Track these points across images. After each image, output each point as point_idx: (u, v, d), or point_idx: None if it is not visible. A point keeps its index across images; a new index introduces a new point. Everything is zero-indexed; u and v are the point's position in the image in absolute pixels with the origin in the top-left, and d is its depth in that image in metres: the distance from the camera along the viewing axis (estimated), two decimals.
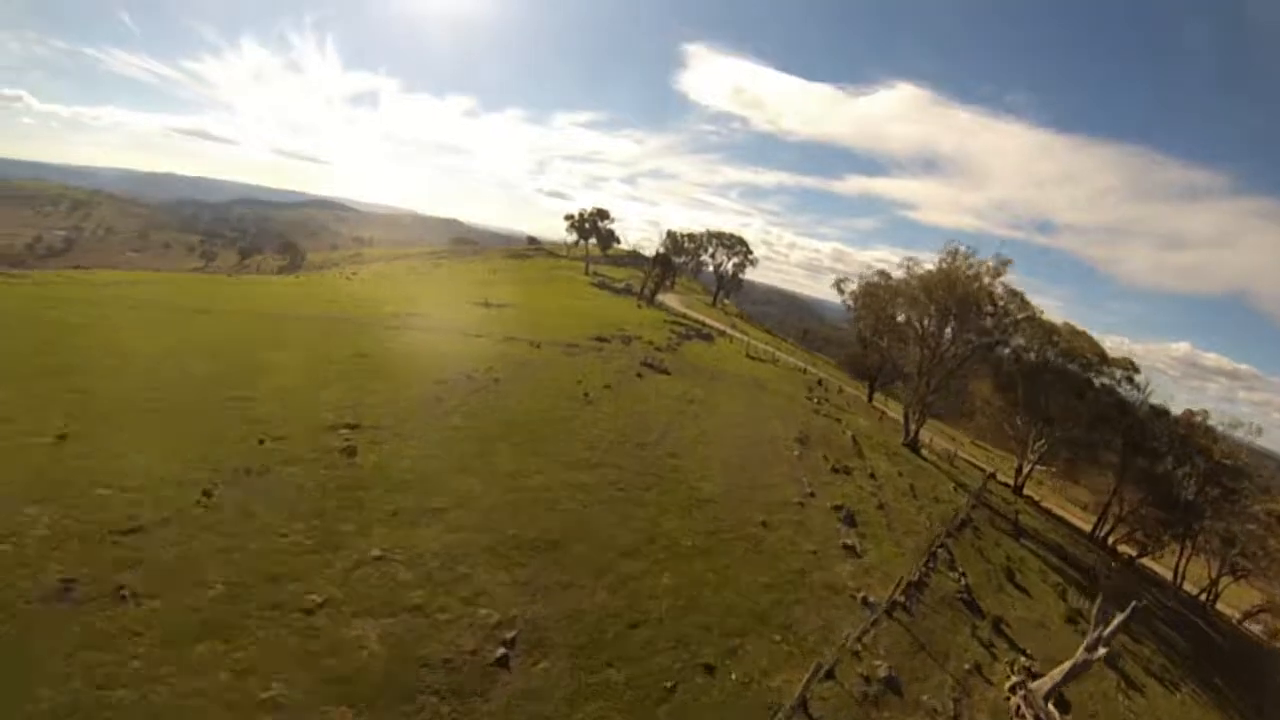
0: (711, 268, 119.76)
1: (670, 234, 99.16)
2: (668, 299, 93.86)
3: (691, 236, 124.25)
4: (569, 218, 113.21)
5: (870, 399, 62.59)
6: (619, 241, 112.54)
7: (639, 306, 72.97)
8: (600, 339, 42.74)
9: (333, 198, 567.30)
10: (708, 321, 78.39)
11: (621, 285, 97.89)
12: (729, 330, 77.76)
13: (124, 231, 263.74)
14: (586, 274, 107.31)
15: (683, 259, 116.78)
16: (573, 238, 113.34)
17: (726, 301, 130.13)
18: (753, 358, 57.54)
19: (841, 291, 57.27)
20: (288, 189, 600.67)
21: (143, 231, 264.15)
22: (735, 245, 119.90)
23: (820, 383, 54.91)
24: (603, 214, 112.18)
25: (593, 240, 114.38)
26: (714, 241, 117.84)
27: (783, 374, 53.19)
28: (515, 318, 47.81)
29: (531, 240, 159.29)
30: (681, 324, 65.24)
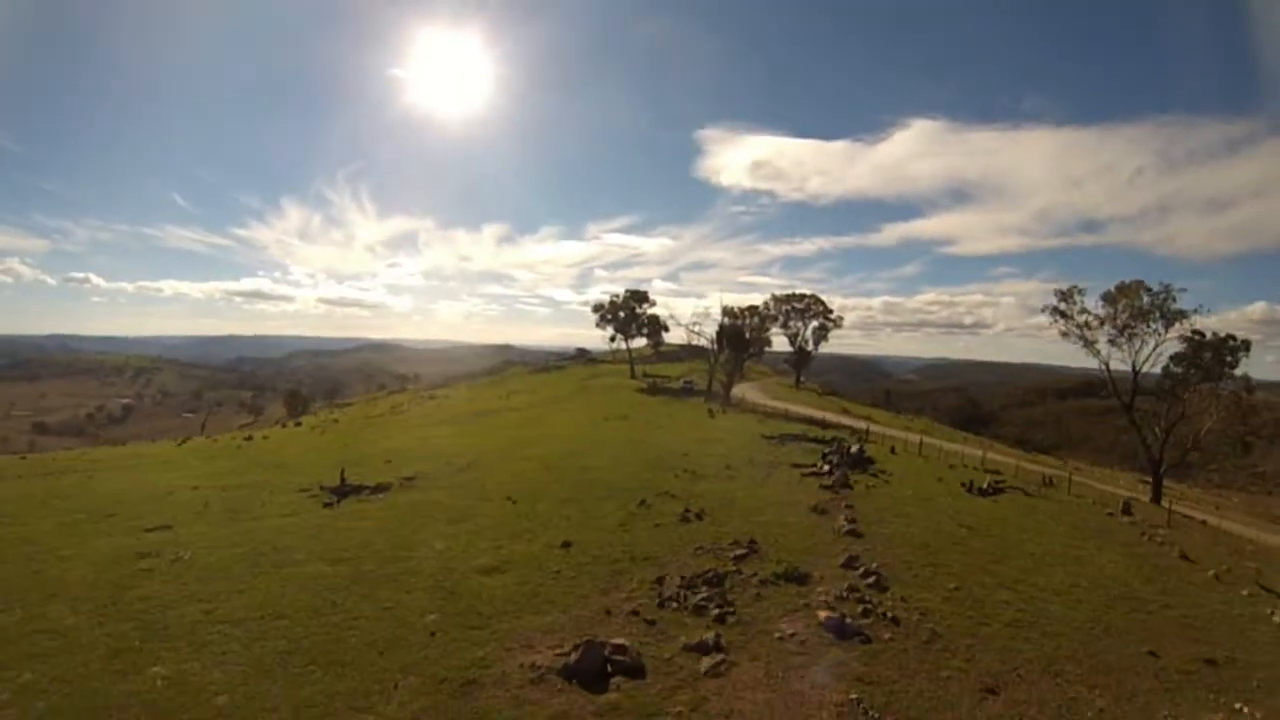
0: (787, 340, 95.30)
1: (727, 309, 74.69)
2: (744, 390, 70.47)
3: (753, 309, 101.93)
4: (598, 308, 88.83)
5: (1158, 495, 36.44)
6: (667, 330, 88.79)
7: (712, 413, 50.15)
8: (664, 501, 19.93)
9: (387, 340, 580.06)
10: (829, 418, 52.85)
11: (680, 383, 75.05)
12: (863, 425, 50.26)
13: (180, 394, 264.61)
14: (633, 377, 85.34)
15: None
16: (609, 334, 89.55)
17: (809, 384, 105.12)
18: (992, 488, 27.29)
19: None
20: (342, 336, 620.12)
21: (197, 392, 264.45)
22: (811, 307, 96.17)
23: (1127, 508, 27.69)
24: (640, 297, 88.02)
25: (639, 339, 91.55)
26: (784, 308, 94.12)
27: (1062, 510, 26.16)
28: (488, 467, 27.25)
29: (582, 351, 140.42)
30: (797, 435, 39.24)
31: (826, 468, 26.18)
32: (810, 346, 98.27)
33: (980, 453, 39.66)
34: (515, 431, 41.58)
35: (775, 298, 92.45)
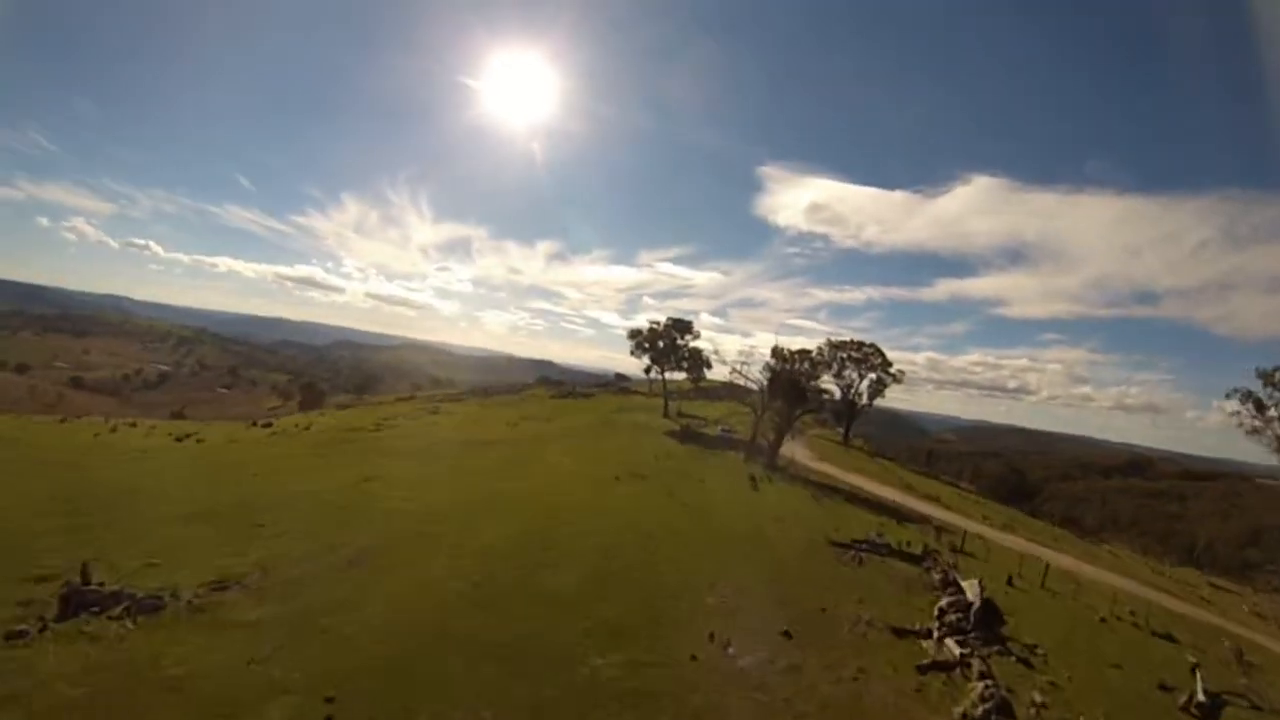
0: (838, 390, 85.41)
1: (777, 351, 63.91)
2: (788, 446, 61.27)
3: (804, 353, 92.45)
4: (635, 335, 77.76)
5: None
6: (709, 366, 79.55)
7: (755, 482, 40.04)
8: None
9: (431, 341, 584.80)
10: (897, 500, 43.90)
11: (719, 430, 65.38)
12: (938, 514, 41.64)
13: (217, 368, 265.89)
14: (666, 415, 75.86)
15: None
16: (645, 363, 79.83)
17: (854, 440, 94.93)
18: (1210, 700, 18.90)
19: None
20: (387, 333, 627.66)
21: (233, 368, 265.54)
22: (870, 358, 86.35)
23: None
24: (683, 327, 77.93)
25: (679, 373, 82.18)
26: (839, 355, 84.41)
27: None
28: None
29: (620, 377, 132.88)
30: (875, 542, 29.09)
31: (939, 629, 17.21)
32: (864, 400, 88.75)
33: (1126, 583, 29.76)
34: (490, 483, 32.18)
35: (831, 343, 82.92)
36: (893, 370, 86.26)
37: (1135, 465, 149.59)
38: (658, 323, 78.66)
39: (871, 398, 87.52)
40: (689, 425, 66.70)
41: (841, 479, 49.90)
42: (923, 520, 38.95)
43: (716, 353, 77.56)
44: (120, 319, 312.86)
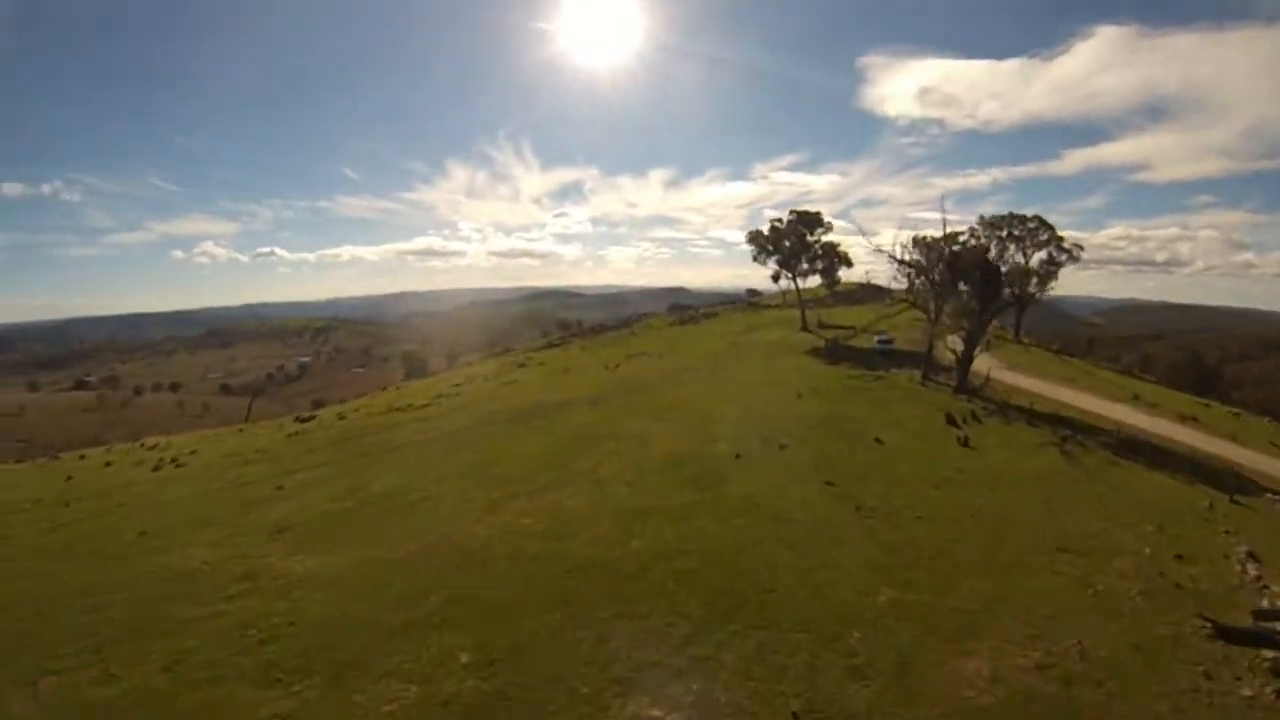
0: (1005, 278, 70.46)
1: (919, 240, 49.17)
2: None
3: (951, 238, 77.68)
4: (755, 238, 65.81)
5: None
6: (848, 264, 66.96)
7: (961, 431, 26.23)
8: None
9: (558, 287, 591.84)
10: (1169, 435, 30.17)
11: (875, 341, 51.73)
12: (1233, 449, 28.92)
13: (350, 350, 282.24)
14: (805, 329, 63.09)
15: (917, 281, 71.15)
16: (772, 271, 67.18)
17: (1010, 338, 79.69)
18: None
19: None
20: (515, 285, 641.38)
21: (366, 349, 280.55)
22: (1034, 233, 70.38)
23: None
24: (810, 221, 64.15)
25: (812, 278, 69.28)
26: (995, 235, 68.80)
27: None
28: None
29: (751, 293, 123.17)
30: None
31: None
32: (1034, 288, 73.32)
33: None
34: (496, 516, 17.36)
35: (984, 219, 67.71)
36: (1067, 245, 70.21)
37: None
38: (779, 220, 65.68)
39: (1044, 282, 72.19)
40: (836, 339, 55.81)
41: (1054, 398, 36.20)
42: (1242, 479, 24.48)
43: (870, 237, 64.00)
44: (259, 324, 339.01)
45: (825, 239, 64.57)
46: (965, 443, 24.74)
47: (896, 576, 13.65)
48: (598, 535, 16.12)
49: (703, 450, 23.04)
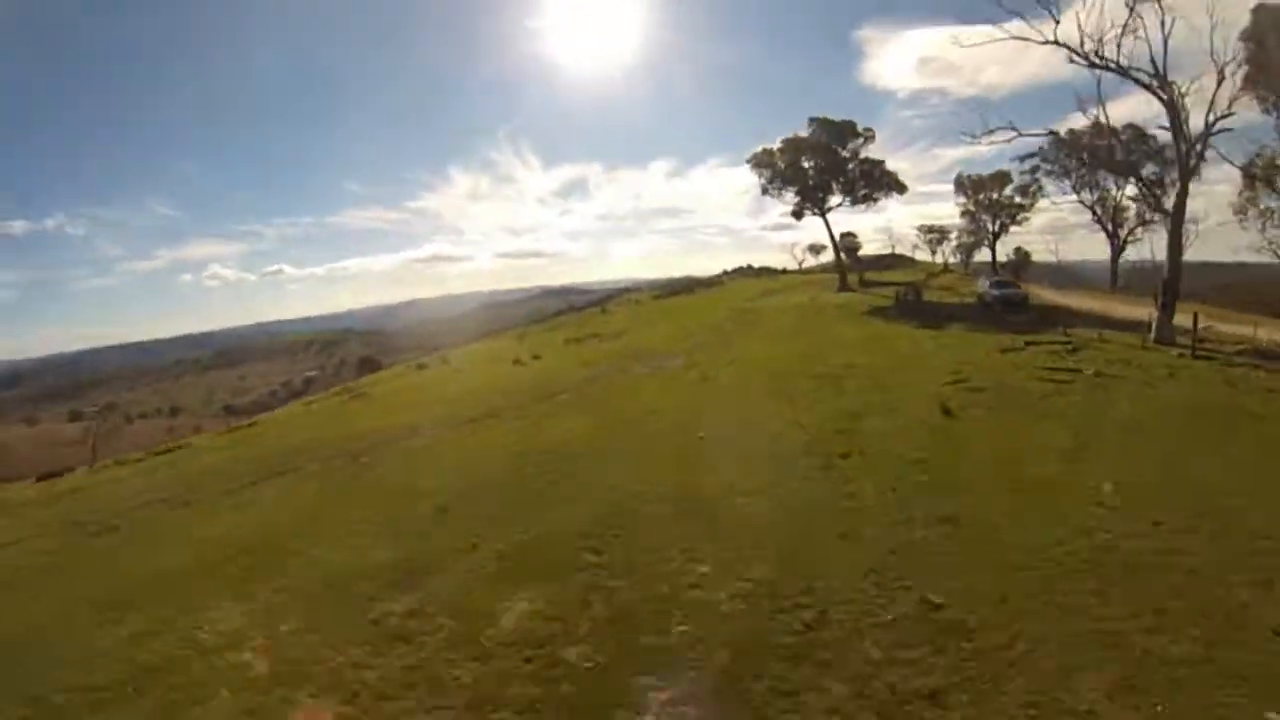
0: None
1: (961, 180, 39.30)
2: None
3: (1001, 176, 64.07)
4: (759, 158, 50.02)
5: None
6: (902, 189, 51.45)
7: None
8: None
9: (566, 285, 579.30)
10: None
11: (986, 287, 40.84)
12: None
13: (355, 361, 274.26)
14: (844, 288, 50.02)
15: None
16: (790, 206, 51.29)
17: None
18: None
19: None
20: (520, 287, 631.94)
21: (369, 358, 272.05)
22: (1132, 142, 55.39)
23: None
24: (844, 130, 47.79)
25: (850, 203, 51.87)
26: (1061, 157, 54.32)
27: None
28: None
29: (750, 267, 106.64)
30: None
31: None
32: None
33: None
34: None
35: (1055, 134, 52.82)
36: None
37: None
38: (796, 135, 48.61)
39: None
40: (905, 293, 40.61)
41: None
42: None
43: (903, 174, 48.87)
44: (268, 341, 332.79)
45: (867, 153, 48.98)
46: None
47: None
48: None
49: None
